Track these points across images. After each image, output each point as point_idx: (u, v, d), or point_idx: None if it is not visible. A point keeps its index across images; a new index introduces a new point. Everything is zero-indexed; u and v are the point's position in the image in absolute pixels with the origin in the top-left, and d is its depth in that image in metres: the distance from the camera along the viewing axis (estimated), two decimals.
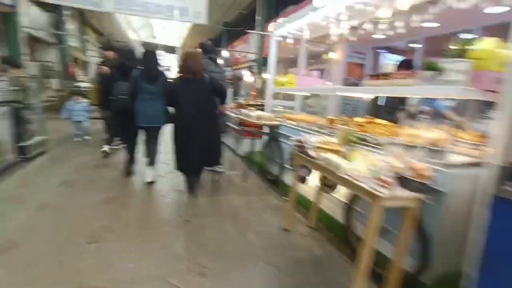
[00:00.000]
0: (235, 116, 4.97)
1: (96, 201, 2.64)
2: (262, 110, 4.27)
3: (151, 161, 3.29)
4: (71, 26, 10.94)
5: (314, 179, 2.36)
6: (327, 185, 2.21)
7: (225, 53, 10.86)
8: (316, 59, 5.92)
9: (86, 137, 5.30)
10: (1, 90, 3.11)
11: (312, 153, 1.90)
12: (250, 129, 3.97)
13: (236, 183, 3.45)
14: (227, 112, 4.66)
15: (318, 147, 1.93)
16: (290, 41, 3.99)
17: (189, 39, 16.74)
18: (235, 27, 11.51)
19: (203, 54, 3.12)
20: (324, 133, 2.54)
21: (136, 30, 19.73)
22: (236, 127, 4.79)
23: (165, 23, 20.03)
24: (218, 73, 3.34)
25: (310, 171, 2.28)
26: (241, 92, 12.27)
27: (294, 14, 3.55)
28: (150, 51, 3.23)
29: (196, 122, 2.79)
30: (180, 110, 2.86)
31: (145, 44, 20.58)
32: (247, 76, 10.41)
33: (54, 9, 9.18)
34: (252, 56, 9.89)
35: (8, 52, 6.67)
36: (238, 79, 12.99)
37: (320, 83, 3.55)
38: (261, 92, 9.04)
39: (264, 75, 9.10)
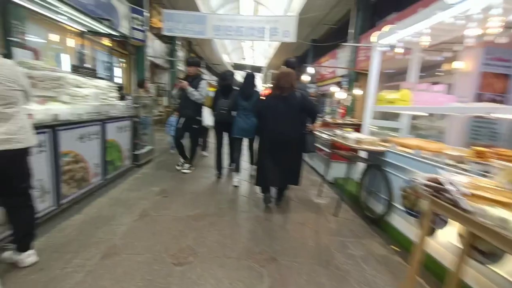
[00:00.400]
0: (323, 135, 4.52)
1: (187, 216, 2.69)
2: (355, 130, 3.68)
3: (237, 167, 3.81)
4: (180, 53, 13.08)
5: (449, 233, 1.68)
6: (480, 250, 1.49)
7: (310, 69, 10.61)
8: (427, 72, 4.86)
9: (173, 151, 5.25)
10: (126, 107, 3.72)
11: (464, 203, 1.29)
12: (343, 153, 3.45)
13: (326, 215, 2.96)
14: (315, 131, 4.40)
15: (474, 195, 1.30)
16: (399, 50, 3.33)
17: (275, 58, 17.43)
18: (323, 43, 11.19)
19: None
20: (465, 170, 1.82)
21: (229, 54, 22.13)
22: (324, 148, 4.33)
23: (253, 45, 21.72)
24: (299, 90, 3.13)
25: (446, 222, 1.63)
26: (325, 109, 11.66)
27: (410, 18, 2.92)
28: (249, 74, 3.71)
29: (280, 139, 2.81)
30: (266, 126, 2.90)
31: (235, 66, 22.77)
32: (335, 93, 9.78)
33: (170, 41, 11.19)
34: (341, 72, 9.26)
35: (137, 76, 8.40)
36: (321, 95, 12.46)
37: (449, 100, 2.72)
38: (349, 110, 8.25)
39: (355, 91, 8.31)
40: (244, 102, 3.49)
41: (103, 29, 3.85)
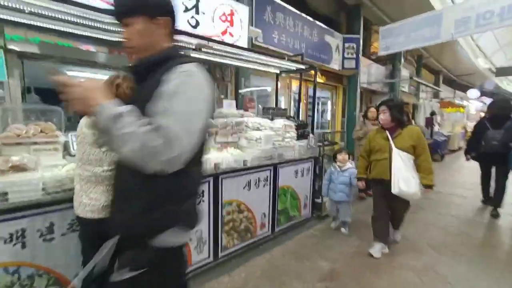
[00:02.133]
0: None
1: None
2: None
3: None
4: (405, 72, 10.95)
5: None
6: None
7: None
8: None
9: (343, 230, 3.09)
10: (307, 146, 3.17)
11: None
12: None
13: None
14: None
15: None
16: None
17: None
18: None
19: None
20: None
21: (488, 57, 15.39)
22: None
23: None
24: None
25: None
26: None
27: None
28: None
29: None
30: None
31: (499, 71, 15.35)
32: None
33: (391, 61, 9.69)
34: None
35: (348, 105, 7.97)
36: None
37: None
38: None
39: None
40: None
41: (296, 66, 3.70)
